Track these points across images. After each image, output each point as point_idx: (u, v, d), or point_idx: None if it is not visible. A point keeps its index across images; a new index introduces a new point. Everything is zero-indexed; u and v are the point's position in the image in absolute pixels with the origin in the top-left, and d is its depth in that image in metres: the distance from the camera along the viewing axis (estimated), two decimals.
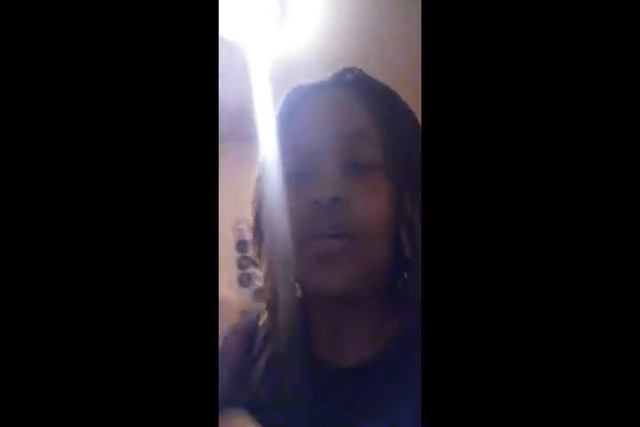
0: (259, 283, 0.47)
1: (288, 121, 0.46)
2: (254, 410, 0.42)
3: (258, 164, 0.48)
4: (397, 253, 0.42)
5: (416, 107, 0.42)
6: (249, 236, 0.49)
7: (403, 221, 0.41)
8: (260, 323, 0.48)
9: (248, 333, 0.51)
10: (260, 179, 0.47)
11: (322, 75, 0.48)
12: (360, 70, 0.47)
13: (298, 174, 0.43)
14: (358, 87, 0.45)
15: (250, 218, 0.48)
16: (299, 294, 0.46)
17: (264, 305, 0.47)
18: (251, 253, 0.49)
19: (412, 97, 0.46)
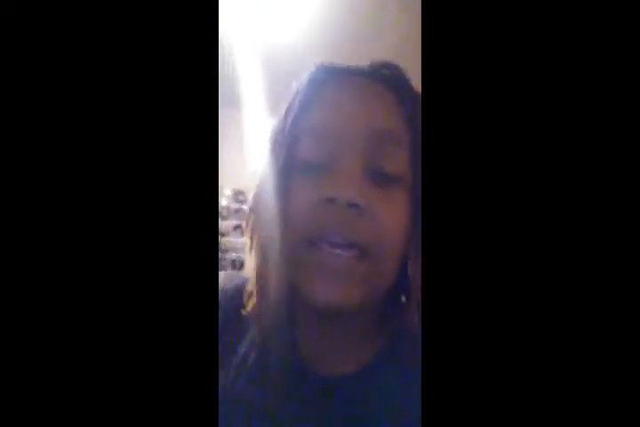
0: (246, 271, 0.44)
1: (311, 99, 0.40)
2: (239, 419, 0.40)
3: (267, 143, 0.41)
4: (402, 274, 0.39)
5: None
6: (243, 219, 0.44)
7: (413, 242, 0.38)
8: (246, 305, 0.43)
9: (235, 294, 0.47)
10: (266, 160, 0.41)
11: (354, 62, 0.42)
12: (397, 67, 0.42)
13: (314, 165, 0.38)
14: (395, 85, 0.40)
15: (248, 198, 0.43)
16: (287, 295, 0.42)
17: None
18: (244, 239, 0.45)
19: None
